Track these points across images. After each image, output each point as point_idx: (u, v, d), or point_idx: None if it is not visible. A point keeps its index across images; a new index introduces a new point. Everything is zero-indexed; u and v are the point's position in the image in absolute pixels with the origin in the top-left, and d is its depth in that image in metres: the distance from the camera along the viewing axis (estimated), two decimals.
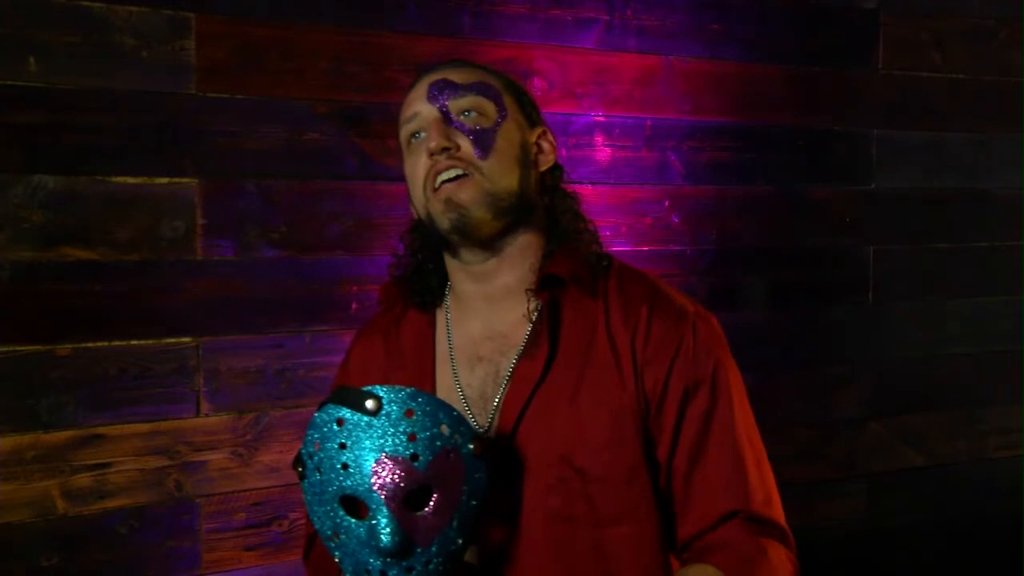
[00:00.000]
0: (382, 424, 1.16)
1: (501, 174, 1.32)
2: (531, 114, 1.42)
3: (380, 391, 1.17)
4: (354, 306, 2.02)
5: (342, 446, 1.16)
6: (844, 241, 2.59)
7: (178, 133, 1.87)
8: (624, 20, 2.28)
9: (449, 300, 1.44)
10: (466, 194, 1.30)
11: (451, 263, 1.40)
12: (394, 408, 1.16)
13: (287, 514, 1.98)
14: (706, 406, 1.31)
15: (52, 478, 1.78)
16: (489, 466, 1.22)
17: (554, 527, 1.29)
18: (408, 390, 1.18)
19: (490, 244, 1.34)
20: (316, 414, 1.19)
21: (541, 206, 1.39)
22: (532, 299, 1.36)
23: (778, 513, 1.32)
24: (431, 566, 1.18)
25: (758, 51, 2.44)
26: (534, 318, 1.35)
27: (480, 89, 1.36)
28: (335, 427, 1.17)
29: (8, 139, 1.74)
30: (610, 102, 2.27)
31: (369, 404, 1.16)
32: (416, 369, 1.41)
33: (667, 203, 2.34)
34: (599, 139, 2.26)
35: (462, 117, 1.34)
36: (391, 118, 2.00)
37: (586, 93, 2.24)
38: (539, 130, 1.42)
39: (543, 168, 1.40)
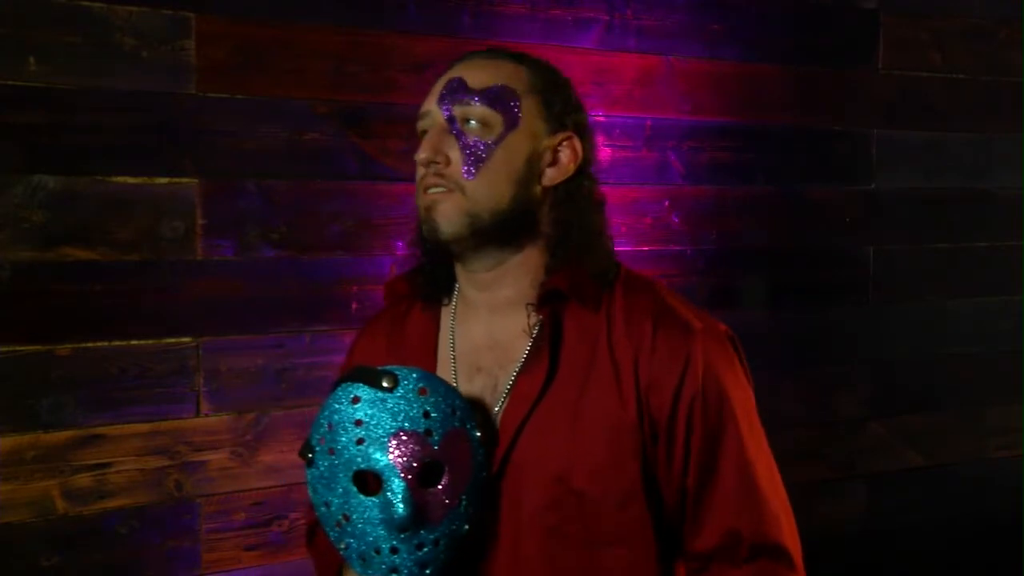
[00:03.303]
0: (397, 400, 1.18)
1: (487, 194, 1.27)
2: (557, 118, 1.33)
3: (395, 369, 1.20)
4: (354, 306, 2.02)
5: (358, 423, 1.18)
6: (844, 241, 2.59)
7: (178, 133, 1.87)
8: (624, 20, 2.28)
9: (456, 300, 1.41)
10: (442, 211, 1.26)
11: (456, 265, 1.37)
12: (409, 385, 1.19)
13: (287, 514, 1.98)
14: (716, 427, 1.26)
15: (52, 478, 1.78)
16: (489, 460, 1.24)
17: (548, 545, 1.26)
18: (420, 371, 1.21)
19: (485, 256, 1.31)
20: (331, 394, 1.22)
21: (548, 219, 1.32)
22: (532, 314, 1.31)
23: (788, 535, 1.28)
24: (440, 545, 1.19)
25: (758, 51, 2.44)
26: (534, 333, 1.31)
27: (492, 96, 1.28)
28: (351, 405, 1.19)
29: (8, 139, 1.74)
30: (610, 102, 2.27)
31: (385, 382, 1.18)
32: (418, 366, 1.40)
33: (667, 203, 2.34)
34: (599, 139, 2.25)
35: (464, 126, 1.28)
36: (391, 118, 2.04)
37: (586, 93, 2.23)
38: (561, 136, 1.32)
39: (557, 180, 1.32)
